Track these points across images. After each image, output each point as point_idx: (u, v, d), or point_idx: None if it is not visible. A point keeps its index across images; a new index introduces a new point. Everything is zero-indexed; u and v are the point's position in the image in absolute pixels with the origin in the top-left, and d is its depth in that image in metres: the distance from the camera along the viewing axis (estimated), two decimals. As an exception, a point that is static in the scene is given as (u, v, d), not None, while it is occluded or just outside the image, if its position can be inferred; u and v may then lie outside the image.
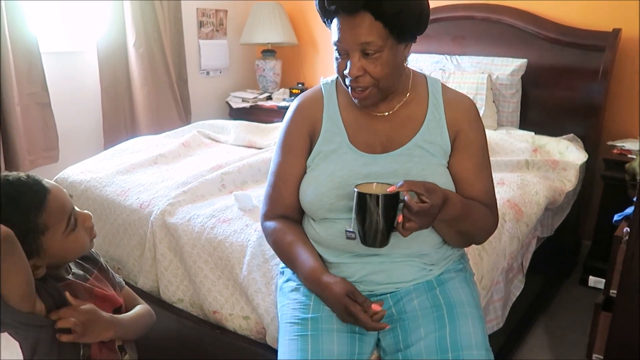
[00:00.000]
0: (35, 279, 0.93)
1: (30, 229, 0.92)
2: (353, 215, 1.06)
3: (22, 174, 0.97)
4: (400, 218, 1.02)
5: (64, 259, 1.04)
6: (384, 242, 1.05)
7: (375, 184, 1.11)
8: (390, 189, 1.02)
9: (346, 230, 1.11)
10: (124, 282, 1.26)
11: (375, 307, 1.06)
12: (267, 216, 1.29)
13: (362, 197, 1.03)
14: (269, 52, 3.61)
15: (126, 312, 1.18)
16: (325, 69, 3.63)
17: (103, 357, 1.09)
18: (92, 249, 1.17)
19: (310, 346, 1.11)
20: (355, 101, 1.18)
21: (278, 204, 1.27)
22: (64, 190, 1.04)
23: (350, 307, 1.06)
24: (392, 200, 1.03)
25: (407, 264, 1.18)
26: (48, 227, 0.95)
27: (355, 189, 1.05)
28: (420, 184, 1.02)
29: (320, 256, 1.21)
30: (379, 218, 1.02)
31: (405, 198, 1.01)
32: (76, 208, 1.06)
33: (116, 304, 1.15)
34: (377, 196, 1.02)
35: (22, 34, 2.45)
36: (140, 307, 1.23)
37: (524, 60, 2.69)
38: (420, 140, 1.20)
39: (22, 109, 2.49)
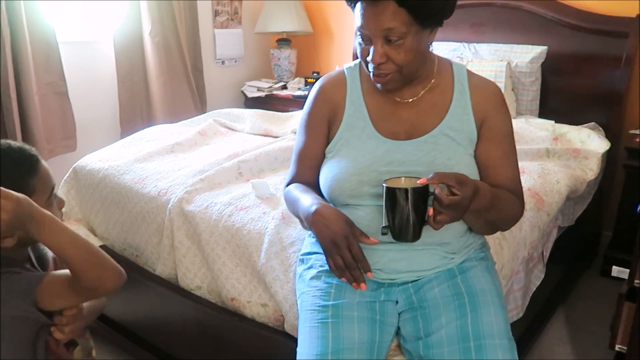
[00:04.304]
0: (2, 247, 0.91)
1: (21, 188, 0.93)
2: (384, 210, 1.05)
3: (17, 142, 1.03)
4: (430, 211, 1.00)
5: None
6: (415, 236, 1.04)
7: (403, 178, 1.09)
8: (420, 181, 1.00)
9: (382, 227, 1.07)
10: None
11: (372, 240, 1.08)
12: (287, 185, 1.32)
13: (391, 192, 1.01)
14: (284, 41, 3.59)
15: None
16: (340, 57, 3.60)
17: (60, 351, 1.07)
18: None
19: (330, 333, 1.10)
20: (378, 86, 1.17)
21: (297, 180, 1.30)
22: None
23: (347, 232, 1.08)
24: (421, 194, 1.01)
25: (428, 252, 1.16)
26: (35, 191, 0.99)
27: (384, 184, 1.04)
28: (451, 176, 1.00)
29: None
30: (410, 212, 1.00)
31: (436, 191, 0.99)
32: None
33: None
34: (406, 190, 1.00)
35: (39, 24, 2.46)
36: None
37: (544, 48, 2.63)
38: (445, 128, 1.18)
39: (40, 99, 2.51)
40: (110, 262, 0.96)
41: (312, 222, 1.11)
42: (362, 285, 1.08)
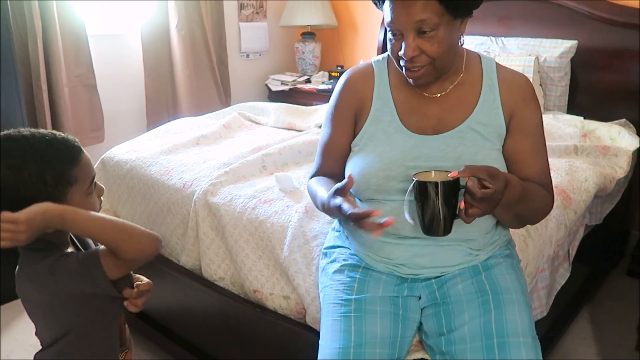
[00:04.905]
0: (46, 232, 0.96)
1: (64, 177, 0.99)
2: (406, 204, 1.04)
3: (61, 133, 1.06)
4: (462, 204, 1.00)
5: None
6: (446, 230, 1.03)
7: (433, 172, 1.08)
8: (451, 174, 1.00)
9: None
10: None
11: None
12: (311, 177, 1.32)
13: (422, 186, 1.01)
14: (308, 34, 3.59)
15: None
16: (365, 51, 3.58)
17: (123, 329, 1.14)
18: None
19: (353, 327, 1.10)
20: (411, 81, 1.16)
21: (322, 172, 1.30)
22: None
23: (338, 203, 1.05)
24: (453, 187, 1.00)
25: (453, 248, 1.15)
26: (77, 180, 1.01)
27: (414, 178, 1.03)
28: (483, 169, 0.99)
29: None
30: (441, 206, 1.00)
31: (468, 184, 0.98)
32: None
33: None
34: (436, 184, 0.99)
35: (70, 17, 2.51)
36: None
37: (574, 42, 2.57)
38: (473, 123, 1.17)
39: (70, 90, 2.56)
40: (140, 231, 1.00)
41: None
42: (380, 227, 0.99)
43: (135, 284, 1.07)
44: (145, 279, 1.10)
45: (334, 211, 1.09)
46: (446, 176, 1.01)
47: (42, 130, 1.01)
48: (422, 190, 1.01)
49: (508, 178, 1.03)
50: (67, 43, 2.52)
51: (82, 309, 1.02)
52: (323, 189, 1.18)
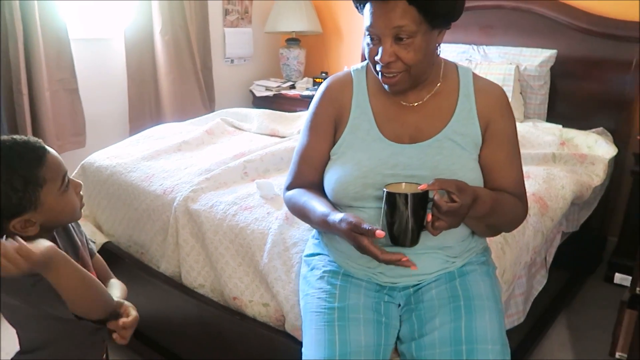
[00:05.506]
0: (27, 236, 0.98)
1: (31, 180, 0.99)
2: (382, 215, 1.05)
3: (21, 136, 1.06)
4: (429, 217, 1.01)
5: (57, 219, 1.07)
6: (413, 241, 1.05)
7: (404, 183, 1.10)
8: (421, 187, 1.01)
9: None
10: (95, 250, 1.26)
11: (378, 233, 1.02)
12: (288, 188, 1.32)
13: (391, 197, 1.03)
14: (293, 40, 3.61)
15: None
16: (349, 58, 3.61)
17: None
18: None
19: (337, 337, 1.11)
20: (386, 87, 1.17)
21: (299, 181, 1.30)
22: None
23: (360, 242, 1.05)
24: (421, 200, 1.02)
25: (430, 256, 1.17)
26: (46, 180, 1.01)
27: (385, 189, 1.05)
28: (452, 183, 1.01)
29: (332, 205, 1.20)
30: (409, 217, 1.02)
31: (435, 197, 1.00)
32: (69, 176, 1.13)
33: None
34: (406, 195, 1.01)
35: (52, 20, 2.49)
36: (118, 284, 1.21)
37: (554, 51, 2.62)
38: (450, 132, 1.18)
39: (51, 95, 2.54)
40: (102, 299, 1.04)
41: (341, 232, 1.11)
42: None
43: (121, 321, 1.05)
44: (133, 313, 1.08)
45: (350, 241, 1.08)
46: (416, 188, 1.03)
47: (1, 138, 1.01)
48: (391, 202, 1.03)
49: (477, 192, 1.05)
50: (48, 46, 2.50)
51: (53, 327, 1.03)
52: (318, 206, 1.17)
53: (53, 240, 1.11)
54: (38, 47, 2.44)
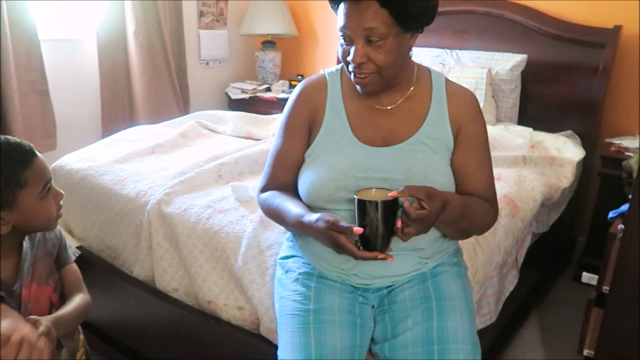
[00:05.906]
0: None
1: (12, 179, 1.02)
2: (356, 220, 1.06)
3: (15, 138, 1.09)
4: (399, 223, 1.03)
5: (31, 223, 1.09)
6: (384, 246, 1.06)
7: (374, 189, 1.12)
8: (391, 194, 1.03)
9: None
10: (73, 257, 1.25)
11: (356, 230, 1.03)
12: (262, 190, 1.32)
13: (361, 204, 1.04)
14: (269, 43, 3.60)
15: (66, 291, 1.19)
16: (325, 61, 3.62)
17: None
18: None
19: (313, 339, 1.11)
20: (358, 88, 1.18)
21: (274, 183, 1.30)
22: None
23: (337, 240, 1.05)
24: (391, 206, 1.03)
25: (403, 257, 1.18)
26: (28, 183, 1.05)
27: (355, 196, 1.06)
28: (421, 190, 1.03)
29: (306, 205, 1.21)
30: (379, 223, 1.03)
31: (404, 204, 1.01)
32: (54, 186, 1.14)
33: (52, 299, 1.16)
34: (377, 203, 1.02)
35: (21, 20, 2.44)
36: (79, 299, 1.17)
37: (524, 56, 2.68)
38: (423, 136, 1.20)
39: (21, 96, 2.48)
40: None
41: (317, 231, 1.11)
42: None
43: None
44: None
45: (326, 240, 1.08)
46: (386, 194, 1.04)
47: None
48: (361, 208, 1.04)
49: (447, 198, 1.07)
50: (17, 47, 2.44)
51: None
52: (293, 208, 1.18)
53: (20, 246, 1.09)
54: (7, 47, 2.39)
